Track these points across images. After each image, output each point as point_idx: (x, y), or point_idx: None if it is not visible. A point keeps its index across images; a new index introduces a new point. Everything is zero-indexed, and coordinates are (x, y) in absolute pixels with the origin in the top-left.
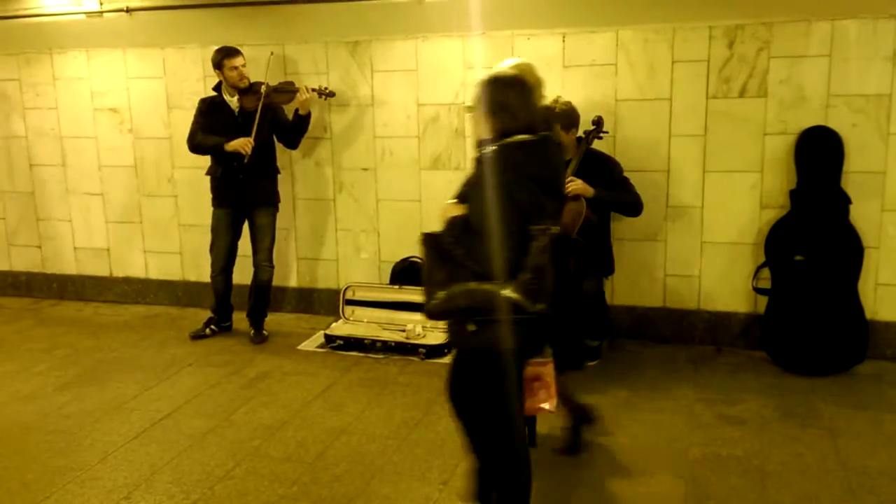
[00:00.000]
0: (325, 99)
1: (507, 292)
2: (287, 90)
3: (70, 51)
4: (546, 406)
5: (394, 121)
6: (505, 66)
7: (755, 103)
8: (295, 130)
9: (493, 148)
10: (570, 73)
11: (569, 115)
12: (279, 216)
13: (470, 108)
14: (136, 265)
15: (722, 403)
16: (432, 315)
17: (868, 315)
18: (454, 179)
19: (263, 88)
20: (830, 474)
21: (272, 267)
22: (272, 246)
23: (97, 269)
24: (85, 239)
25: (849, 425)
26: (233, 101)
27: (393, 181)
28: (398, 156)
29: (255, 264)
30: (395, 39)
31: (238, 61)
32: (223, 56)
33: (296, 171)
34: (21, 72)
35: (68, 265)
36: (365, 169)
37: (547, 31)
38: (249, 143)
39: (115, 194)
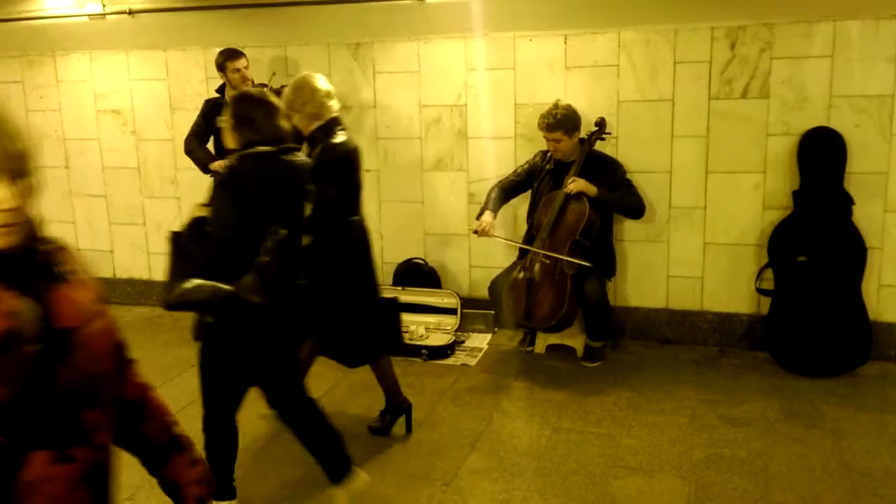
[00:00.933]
0: None
1: (232, 288)
2: None
3: (73, 53)
4: None
5: (396, 122)
6: (318, 78)
7: (757, 104)
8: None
9: (235, 157)
10: (572, 75)
11: (570, 119)
12: None
13: (221, 122)
14: (139, 267)
15: (725, 404)
16: (169, 307)
17: (871, 316)
18: (456, 180)
19: (265, 91)
20: (834, 475)
21: None
22: None
23: (100, 270)
24: (88, 241)
25: (852, 426)
26: None
27: (395, 182)
28: (400, 157)
29: None
30: (397, 41)
31: (241, 63)
32: (226, 58)
33: None
34: (24, 74)
35: None
36: (367, 170)
37: (549, 32)
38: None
39: (118, 196)
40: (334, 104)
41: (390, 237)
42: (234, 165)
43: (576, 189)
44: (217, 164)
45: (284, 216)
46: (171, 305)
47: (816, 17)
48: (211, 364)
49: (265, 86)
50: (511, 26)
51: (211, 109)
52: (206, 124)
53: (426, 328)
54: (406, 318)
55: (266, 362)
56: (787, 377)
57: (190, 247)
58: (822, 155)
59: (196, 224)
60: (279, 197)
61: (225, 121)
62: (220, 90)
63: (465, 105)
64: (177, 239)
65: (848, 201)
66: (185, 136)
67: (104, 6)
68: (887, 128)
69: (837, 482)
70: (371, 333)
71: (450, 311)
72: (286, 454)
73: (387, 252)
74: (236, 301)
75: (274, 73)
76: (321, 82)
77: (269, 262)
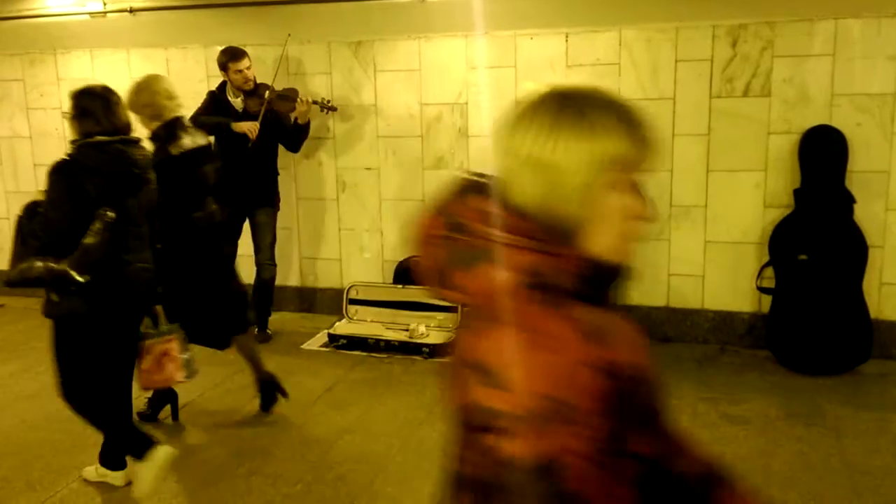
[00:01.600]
0: (327, 113)
1: (58, 265)
2: (289, 98)
3: (74, 51)
4: (178, 377)
5: (397, 121)
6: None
7: (759, 103)
8: (294, 136)
9: (73, 146)
10: (573, 73)
11: None
12: (282, 216)
13: (65, 114)
14: None
15: (726, 403)
16: (9, 283)
17: (872, 314)
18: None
19: (267, 94)
20: (835, 474)
21: (275, 265)
22: (274, 244)
23: None
24: None
25: (853, 425)
26: (237, 101)
27: (396, 181)
28: (401, 155)
29: (258, 263)
30: (398, 39)
31: (243, 64)
32: (228, 59)
33: (299, 170)
34: (25, 72)
35: None
36: (368, 168)
37: (550, 30)
38: (256, 126)
39: None
40: (175, 105)
41: (391, 235)
42: (71, 154)
43: None
44: (245, 124)
45: (115, 201)
46: (12, 282)
47: (818, 16)
48: (71, 342)
49: (268, 87)
50: (512, 24)
51: (216, 105)
52: (209, 115)
53: (427, 326)
54: (407, 316)
55: (105, 337)
56: (787, 375)
57: (25, 228)
58: (823, 153)
59: (31, 207)
60: (111, 183)
61: (66, 113)
62: (221, 88)
63: (466, 103)
64: (19, 221)
65: (849, 200)
66: None
67: (105, 4)
68: (889, 126)
69: (838, 480)
70: (224, 318)
71: (450, 309)
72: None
73: (387, 250)
74: (66, 278)
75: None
76: (161, 84)
77: (94, 243)
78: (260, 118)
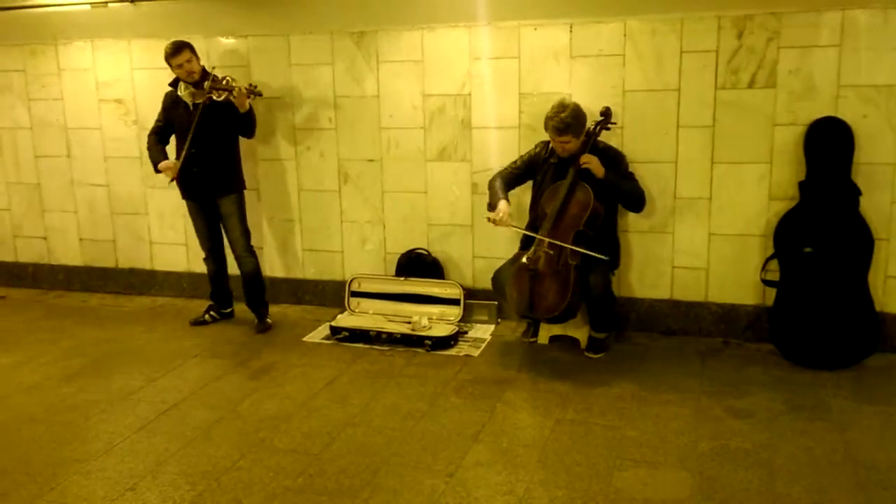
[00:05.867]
0: (252, 98)
1: None
2: (222, 88)
3: (75, 41)
4: None
5: (399, 112)
6: None
7: (764, 94)
8: (242, 124)
9: None
10: (578, 64)
11: (578, 120)
12: (285, 207)
13: None
14: (141, 256)
15: (730, 396)
16: None
17: (878, 307)
18: (460, 171)
19: (207, 84)
20: (839, 468)
21: (253, 256)
22: (246, 234)
23: (103, 260)
24: (90, 230)
25: (858, 419)
26: (185, 95)
27: (398, 172)
28: (404, 147)
29: (236, 258)
30: (400, 30)
31: (182, 58)
32: (167, 55)
33: (300, 161)
34: (26, 63)
35: (74, 256)
36: (370, 160)
37: (554, 21)
38: (175, 168)
39: (120, 185)
40: None
41: (393, 227)
42: None
43: (586, 163)
44: (164, 165)
45: None
46: None
47: (824, 6)
48: None
49: (209, 76)
50: (516, 15)
51: (171, 104)
52: (165, 118)
53: (429, 319)
54: (409, 308)
55: None
56: (792, 369)
57: None
58: (829, 145)
59: None
60: None
61: None
62: (174, 83)
63: (469, 95)
64: None
65: (855, 192)
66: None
67: None
68: (895, 118)
69: (843, 475)
70: None
71: (453, 302)
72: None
73: (389, 242)
74: None
75: (214, 67)
76: None
77: None
78: (198, 112)
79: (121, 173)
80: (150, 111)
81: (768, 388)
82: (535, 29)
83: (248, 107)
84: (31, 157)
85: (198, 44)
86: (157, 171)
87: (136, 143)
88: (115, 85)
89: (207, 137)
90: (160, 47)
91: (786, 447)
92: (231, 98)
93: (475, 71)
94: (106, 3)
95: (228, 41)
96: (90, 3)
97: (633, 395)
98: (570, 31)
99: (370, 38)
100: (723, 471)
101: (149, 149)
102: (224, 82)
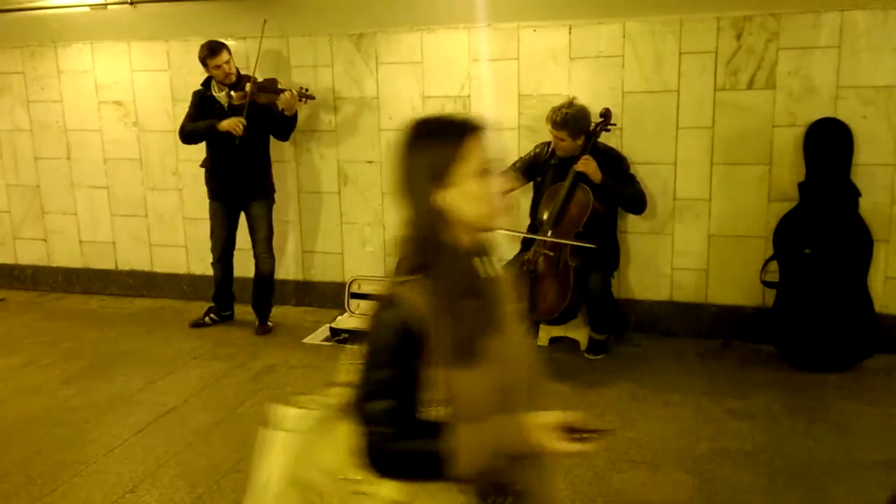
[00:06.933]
0: (305, 102)
1: None
2: (271, 90)
3: (74, 44)
4: None
5: (399, 113)
6: None
7: (764, 95)
8: (282, 126)
9: None
10: (577, 65)
11: (578, 122)
12: (283, 209)
13: None
14: (141, 258)
15: (730, 397)
16: None
17: (877, 309)
18: None
19: (248, 86)
20: (839, 469)
21: (272, 258)
22: (270, 237)
23: (102, 262)
24: (90, 232)
25: (858, 420)
26: (221, 95)
27: None
28: None
29: (255, 256)
30: (400, 32)
31: (221, 59)
32: (205, 55)
33: (300, 163)
34: (25, 65)
35: (74, 258)
36: (370, 161)
37: (553, 22)
38: (241, 122)
39: (120, 187)
40: None
41: (393, 229)
42: None
43: (586, 167)
44: (228, 123)
45: None
46: None
47: (823, 7)
48: None
49: (250, 78)
50: (515, 16)
51: (202, 102)
52: (196, 114)
53: None
54: None
55: None
56: (792, 370)
57: None
58: (828, 146)
59: None
60: None
61: None
62: (206, 83)
63: (469, 96)
64: None
65: (854, 193)
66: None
67: None
68: (895, 119)
69: (843, 476)
70: None
71: None
72: None
73: (389, 244)
74: None
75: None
76: None
77: None
78: (244, 112)
79: (121, 175)
80: (150, 113)
81: (768, 390)
82: (535, 30)
83: (295, 110)
84: (30, 158)
85: (197, 46)
86: (218, 131)
87: (136, 144)
88: (114, 87)
89: (245, 140)
90: (160, 49)
91: (786, 448)
92: (279, 102)
93: (474, 72)
94: (105, 5)
95: (228, 43)
96: (89, 5)
97: (632, 396)
98: (570, 33)
99: (369, 39)
100: (723, 472)
101: (190, 130)
102: (273, 83)
